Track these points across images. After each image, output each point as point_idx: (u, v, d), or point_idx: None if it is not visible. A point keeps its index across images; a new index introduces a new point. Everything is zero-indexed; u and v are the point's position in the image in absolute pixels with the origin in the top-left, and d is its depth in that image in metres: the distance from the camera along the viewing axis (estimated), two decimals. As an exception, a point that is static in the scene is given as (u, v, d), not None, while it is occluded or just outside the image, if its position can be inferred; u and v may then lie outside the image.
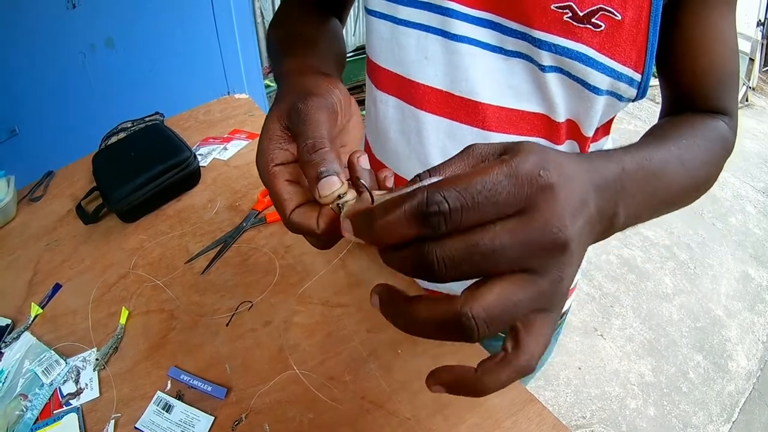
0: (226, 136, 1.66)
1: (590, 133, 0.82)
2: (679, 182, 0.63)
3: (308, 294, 1.12)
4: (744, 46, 5.16)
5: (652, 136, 0.72)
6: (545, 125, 0.81)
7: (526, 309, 0.38)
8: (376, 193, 0.45)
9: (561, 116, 0.79)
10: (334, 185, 0.45)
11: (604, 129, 0.90)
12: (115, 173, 1.39)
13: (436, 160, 0.76)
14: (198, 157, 1.52)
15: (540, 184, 0.37)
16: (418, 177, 0.42)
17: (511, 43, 0.75)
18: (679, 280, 3.40)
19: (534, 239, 0.36)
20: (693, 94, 0.80)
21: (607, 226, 0.48)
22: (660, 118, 0.86)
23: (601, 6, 0.67)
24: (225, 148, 1.59)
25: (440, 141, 0.85)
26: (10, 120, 2.54)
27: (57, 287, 1.20)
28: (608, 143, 0.95)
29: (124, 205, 1.32)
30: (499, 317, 0.36)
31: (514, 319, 0.38)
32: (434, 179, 0.39)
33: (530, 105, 0.79)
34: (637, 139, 0.68)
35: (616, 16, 0.68)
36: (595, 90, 0.73)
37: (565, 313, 1.22)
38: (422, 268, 0.37)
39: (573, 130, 0.82)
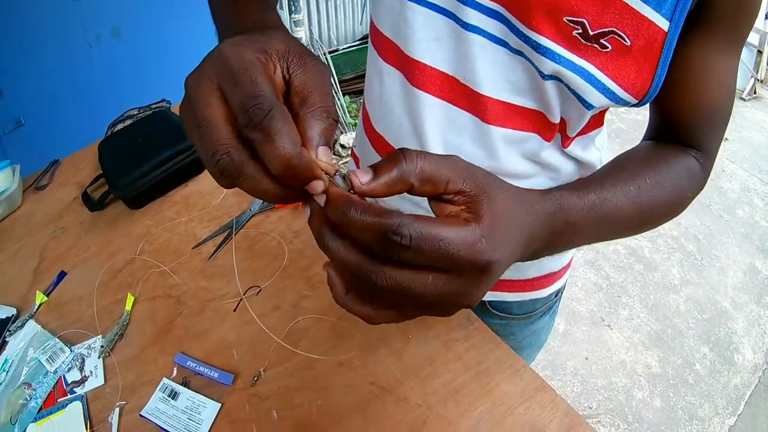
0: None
1: (575, 133, 0.84)
2: (626, 224, 0.72)
3: (317, 278, 1.11)
4: (752, 38, 5.13)
5: (621, 167, 0.78)
6: (541, 122, 0.82)
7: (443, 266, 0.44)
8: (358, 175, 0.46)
9: (556, 117, 0.79)
10: (318, 188, 0.45)
11: (597, 120, 0.90)
12: (121, 160, 1.38)
13: (433, 140, 0.85)
14: (205, 143, 1.48)
15: (479, 266, 0.44)
16: (403, 155, 0.46)
17: (515, 42, 0.73)
18: (686, 271, 3.39)
19: (450, 299, 0.45)
20: (677, 125, 0.82)
21: (525, 261, 0.57)
22: (645, 136, 0.90)
23: (614, 29, 0.67)
24: (232, 134, 1.55)
25: (438, 122, 0.84)
26: (16, 111, 2.56)
27: (62, 275, 1.20)
28: (603, 135, 0.97)
29: (130, 192, 1.31)
30: (427, 248, 0.41)
31: (437, 262, 0.43)
32: (407, 217, 0.42)
33: (528, 102, 0.79)
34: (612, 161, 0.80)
35: (625, 41, 0.67)
36: (590, 106, 0.73)
37: (560, 290, 1.23)
38: (361, 274, 0.43)
39: (563, 126, 0.84)
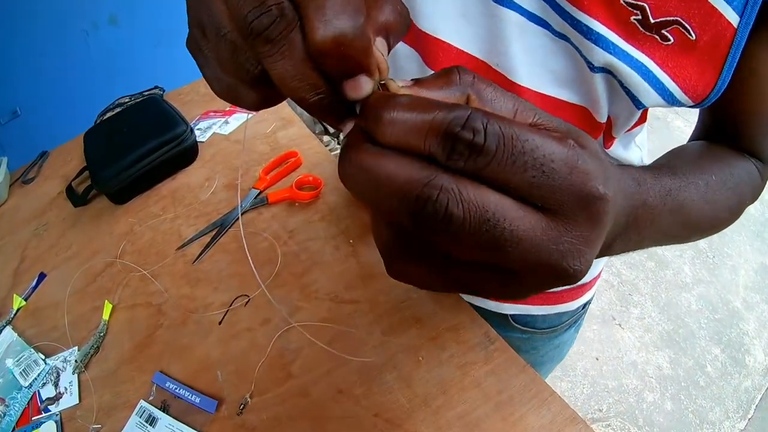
0: (227, 109, 1.56)
1: (621, 133, 0.75)
2: (694, 223, 0.60)
3: (314, 287, 1.00)
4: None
5: (685, 159, 0.68)
6: (586, 120, 0.72)
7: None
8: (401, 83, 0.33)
9: (603, 116, 0.70)
10: (364, 88, 0.32)
11: (642, 116, 0.81)
12: (105, 151, 1.31)
13: None
14: (196, 132, 1.44)
15: (593, 202, 0.30)
16: (458, 73, 0.33)
17: (558, 24, 0.63)
18: (698, 270, 3.34)
19: (548, 256, 0.30)
20: (735, 130, 0.72)
21: (603, 249, 0.41)
22: (692, 136, 0.81)
23: (678, 19, 0.57)
24: (226, 122, 1.49)
25: None
26: (11, 101, 2.52)
27: (42, 276, 1.15)
28: (643, 132, 0.87)
29: (112, 186, 1.24)
30: (514, 152, 0.28)
31: (529, 182, 0.29)
32: (479, 109, 0.29)
33: (572, 96, 0.70)
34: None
35: (690, 35, 0.58)
36: (641, 106, 0.65)
37: (588, 303, 1.15)
38: (416, 194, 0.28)
39: (609, 126, 0.75)
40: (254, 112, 1.43)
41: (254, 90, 0.35)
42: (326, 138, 3.67)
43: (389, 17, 0.34)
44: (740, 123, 0.70)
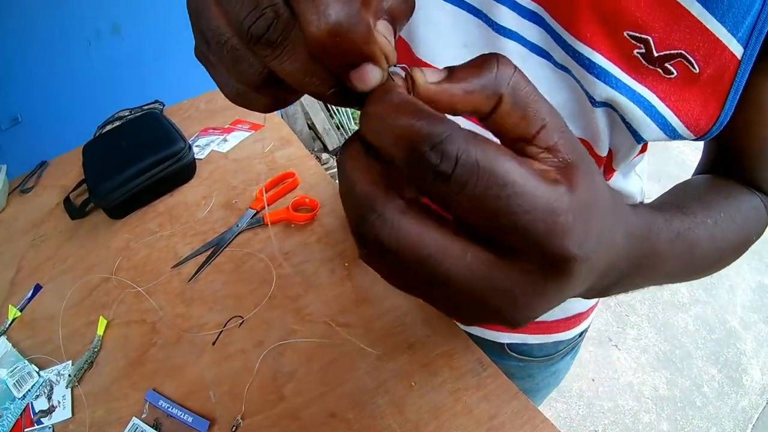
0: (227, 126, 1.56)
1: (621, 166, 0.74)
2: (699, 263, 0.58)
3: (308, 310, 1.00)
4: None
5: (692, 195, 0.65)
6: None
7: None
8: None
9: (604, 149, 0.69)
10: (371, 76, 0.29)
11: (643, 146, 0.78)
12: (103, 165, 1.30)
13: None
14: (195, 148, 1.43)
15: (556, 253, 0.27)
16: (496, 58, 0.30)
17: (560, 56, 0.62)
18: (695, 290, 3.33)
19: (489, 299, 0.28)
20: (741, 163, 0.70)
21: (594, 294, 0.43)
22: (697, 168, 0.79)
23: (682, 52, 0.56)
24: (225, 140, 1.49)
25: None
26: (13, 108, 2.50)
27: (38, 288, 1.15)
28: (644, 161, 0.87)
29: (110, 201, 1.23)
30: (479, 187, 0.25)
31: (489, 220, 0.26)
32: (463, 131, 0.26)
33: (573, 129, 0.67)
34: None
35: (694, 68, 0.57)
36: (641, 140, 0.64)
37: (585, 330, 1.13)
38: (359, 216, 0.28)
39: (610, 158, 0.73)
40: (253, 130, 1.44)
41: (263, 93, 0.33)
42: (325, 156, 3.66)
43: (392, 1, 0.31)
44: (745, 155, 0.69)
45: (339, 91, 0.30)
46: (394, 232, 0.26)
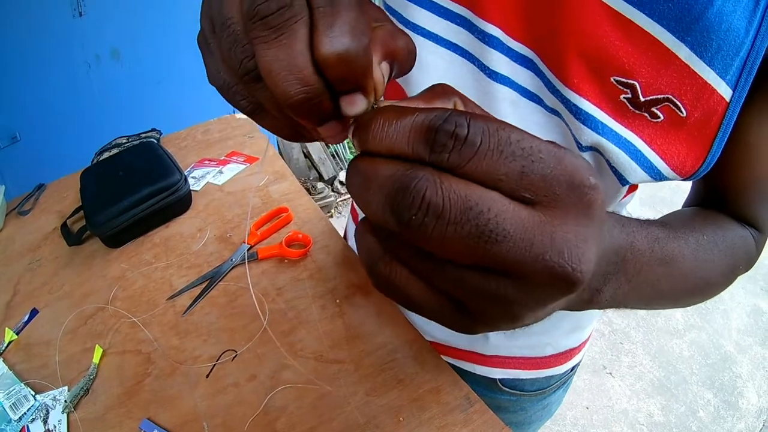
0: (222, 158, 1.58)
1: (609, 207, 0.73)
2: (683, 280, 0.56)
3: (300, 346, 1.01)
4: None
5: (675, 218, 0.65)
6: None
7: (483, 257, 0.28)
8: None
9: None
10: (358, 105, 0.33)
11: (632, 186, 0.79)
12: (100, 194, 1.31)
13: None
14: (191, 180, 1.44)
15: (585, 191, 0.28)
16: (441, 86, 0.35)
17: (550, 100, 0.63)
18: (690, 316, 3.33)
19: (544, 254, 0.27)
20: (729, 199, 0.70)
21: (585, 298, 0.41)
22: (686, 203, 0.78)
23: (669, 96, 0.57)
24: (220, 172, 1.50)
25: None
26: (11, 126, 2.53)
27: (34, 312, 1.15)
28: (634, 199, 0.87)
29: (105, 230, 1.24)
30: (500, 145, 0.27)
31: (520, 173, 0.27)
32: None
33: None
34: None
35: (681, 111, 0.57)
36: (626, 183, 0.64)
37: (577, 365, 1.13)
38: (397, 194, 0.28)
39: None
40: (248, 163, 1.45)
41: (247, 90, 0.35)
42: (320, 185, 3.67)
43: (399, 48, 0.35)
44: (734, 193, 0.69)
45: (308, 97, 0.31)
46: (440, 186, 0.27)
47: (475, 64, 0.67)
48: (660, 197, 4.08)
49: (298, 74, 0.30)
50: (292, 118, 0.34)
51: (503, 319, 0.32)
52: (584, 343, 1.07)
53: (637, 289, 0.48)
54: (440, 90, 0.33)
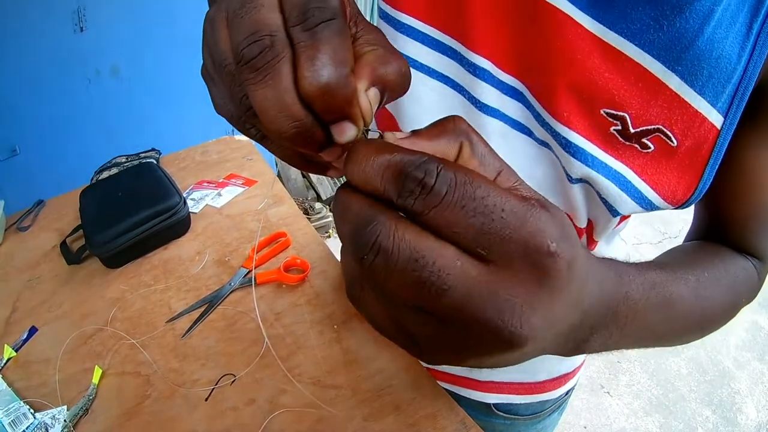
0: (221, 180, 1.59)
1: (602, 237, 0.74)
2: (683, 320, 0.55)
3: (298, 371, 1.01)
4: None
5: (676, 255, 0.65)
6: None
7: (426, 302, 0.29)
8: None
9: (583, 221, 0.70)
10: (347, 132, 0.34)
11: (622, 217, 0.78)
12: (99, 215, 1.32)
13: None
14: (190, 202, 1.45)
15: (542, 258, 0.29)
16: (453, 122, 0.34)
17: (540, 133, 0.64)
18: None
19: (487, 308, 0.28)
20: (730, 231, 0.69)
21: (570, 348, 0.41)
22: (688, 236, 0.78)
23: (660, 127, 0.57)
24: (219, 194, 1.51)
25: None
26: (11, 139, 2.54)
27: (33, 330, 1.15)
28: (632, 216, 0.85)
29: (105, 251, 1.25)
30: (460, 196, 0.28)
31: (476, 231, 0.28)
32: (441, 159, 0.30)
33: (552, 201, 0.68)
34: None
35: (672, 141, 0.58)
36: (617, 213, 0.64)
37: (572, 389, 1.13)
38: (356, 232, 0.29)
39: (590, 229, 0.74)
40: (247, 186, 1.46)
41: (251, 122, 0.36)
42: (318, 205, 3.67)
43: (389, 73, 0.35)
44: (733, 222, 0.68)
45: (300, 131, 0.32)
46: (393, 232, 0.28)
47: (465, 96, 0.68)
48: (657, 214, 4.08)
49: (287, 111, 0.31)
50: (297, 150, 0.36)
51: (449, 359, 0.33)
52: (578, 367, 1.07)
53: (631, 335, 0.47)
54: (451, 127, 0.34)
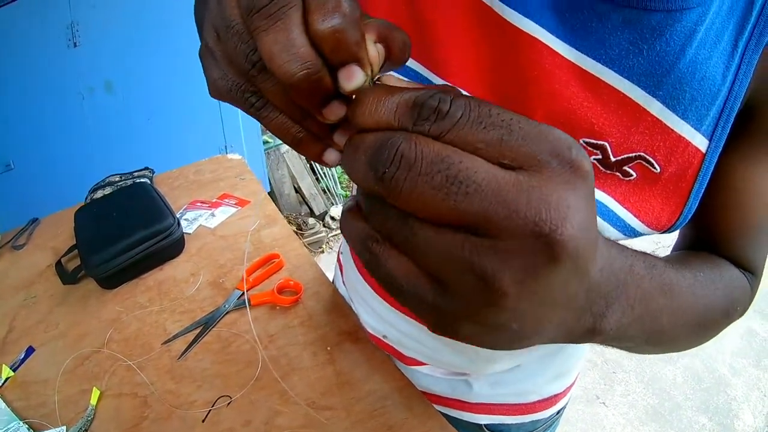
0: (214, 200, 1.60)
1: None
2: (683, 315, 0.52)
3: (292, 392, 1.02)
4: None
5: (668, 257, 0.62)
6: None
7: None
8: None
9: None
10: (356, 77, 0.33)
11: None
12: (94, 235, 1.33)
13: None
14: (183, 222, 1.46)
15: (570, 154, 0.28)
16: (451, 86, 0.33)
17: None
18: None
19: (518, 211, 0.26)
20: (719, 245, 0.67)
21: (588, 325, 0.38)
22: (675, 247, 0.75)
23: (641, 154, 0.56)
24: (212, 215, 1.52)
25: None
26: (6, 154, 2.54)
27: (30, 350, 1.15)
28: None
29: (100, 272, 1.25)
30: (482, 118, 0.28)
31: (500, 144, 0.28)
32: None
33: None
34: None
35: (654, 168, 0.57)
36: None
37: (562, 409, 1.13)
38: (375, 152, 0.29)
39: None
40: (240, 206, 1.47)
41: (254, 85, 0.36)
42: (311, 220, 3.67)
43: (395, 37, 0.35)
44: (725, 236, 0.66)
45: (309, 73, 0.31)
46: (414, 142, 0.27)
47: None
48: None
49: (296, 52, 0.31)
50: (298, 113, 0.36)
51: (486, 302, 0.30)
52: (569, 387, 1.07)
53: (640, 320, 0.44)
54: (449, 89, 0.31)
